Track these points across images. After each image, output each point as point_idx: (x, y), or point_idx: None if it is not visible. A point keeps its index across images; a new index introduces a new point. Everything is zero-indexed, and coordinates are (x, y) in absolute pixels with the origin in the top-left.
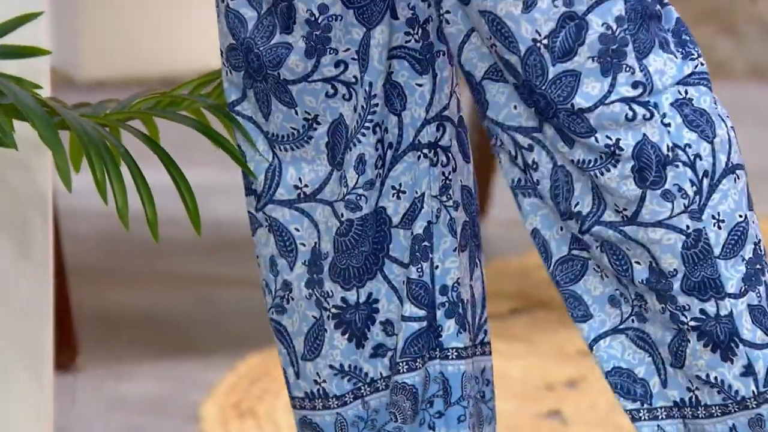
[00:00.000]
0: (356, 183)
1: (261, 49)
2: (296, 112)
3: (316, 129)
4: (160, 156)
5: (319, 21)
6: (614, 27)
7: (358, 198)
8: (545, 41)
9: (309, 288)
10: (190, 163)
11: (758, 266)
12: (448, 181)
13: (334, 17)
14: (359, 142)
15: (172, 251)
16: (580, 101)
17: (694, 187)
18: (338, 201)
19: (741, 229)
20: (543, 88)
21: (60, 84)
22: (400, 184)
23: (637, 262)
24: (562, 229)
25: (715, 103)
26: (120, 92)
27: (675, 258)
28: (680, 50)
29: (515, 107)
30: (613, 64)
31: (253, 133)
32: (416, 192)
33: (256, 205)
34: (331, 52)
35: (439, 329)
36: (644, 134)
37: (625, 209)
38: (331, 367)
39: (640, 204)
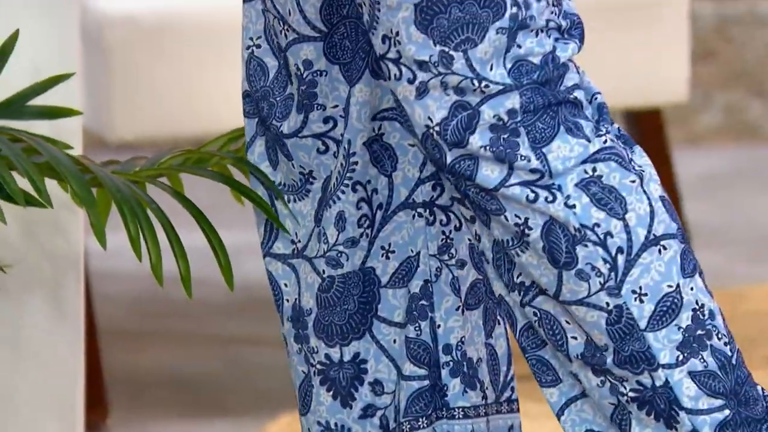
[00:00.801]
0: (336, 240)
1: (277, 98)
2: (293, 165)
3: (312, 183)
4: (191, 211)
5: (305, 76)
6: (506, 118)
7: (339, 255)
8: (437, 127)
9: (298, 343)
10: (217, 225)
11: (700, 332)
12: (449, 240)
13: (319, 73)
14: (338, 199)
15: (201, 312)
16: (482, 183)
17: (608, 265)
18: (318, 257)
19: (671, 299)
20: (447, 167)
21: (91, 145)
22: (390, 244)
23: (574, 337)
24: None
25: (628, 178)
26: (151, 153)
27: (602, 334)
28: (593, 129)
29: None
30: (507, 152)
31: (254, 183)
32: (411, 251)
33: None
34: (319, 107)
35: (445, 388)
36: (550, 216)
37: (546, 289)
38: (318, 423)
39: (559, 284)
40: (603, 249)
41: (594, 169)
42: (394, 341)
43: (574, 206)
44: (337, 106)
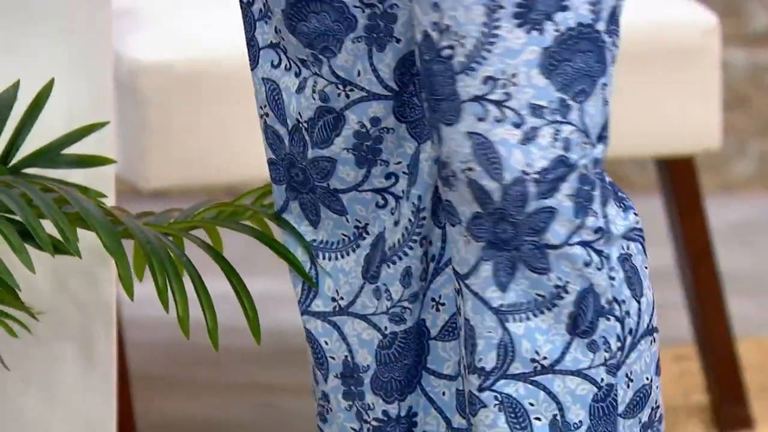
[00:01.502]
0: (401, 296)
1: (304, 164)
2: (347, 220)
3: (365, 238)
4: (221, 265)
5: (371, 133)
6: (590, 167)
7: (403, 311)
8: (535, 175)
9: (348, 400)
10: (253, 272)
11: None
12: None
13: (386, 130)
14: (405, 255)
15: (234, 359)
16: (550, 237)
17: (618, 343)
18: (378, 314)
19: (645, 391)
20: (520, 218)
21: (125, 193)
22: (440, 296)
23: (538, 418)
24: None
25: (645, 263)
26: (185, 201)
27: (583, 409)
28: (620, 204)
29: (466, 241)
30: (584, 206)
31: (293, 244)
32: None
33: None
34: (382, 163)
35: None
36: (591, 283)
37: (545, 357)
38: None
39: (565, 351)
40: (620, 327)
41: (627, 247)
42: (444, 393)
43: (613, 279)
44: (400, 162)
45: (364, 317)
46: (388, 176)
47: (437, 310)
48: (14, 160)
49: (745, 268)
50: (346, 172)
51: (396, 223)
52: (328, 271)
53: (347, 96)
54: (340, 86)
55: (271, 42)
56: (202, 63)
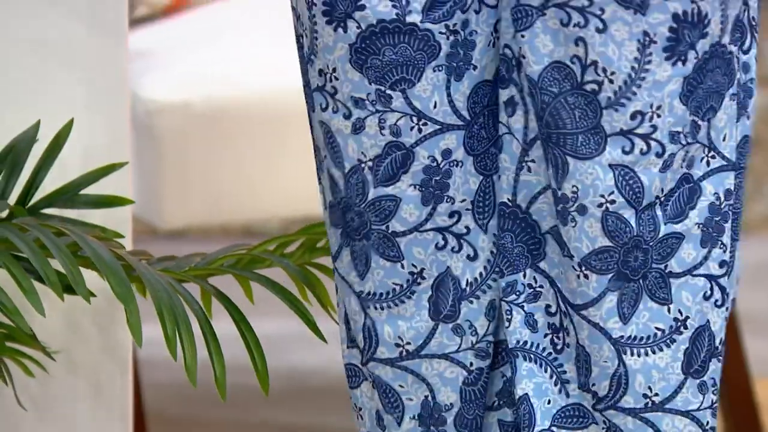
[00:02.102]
0: (487, 330)
1: (362, 207)
2: (402, 266)
3: (420, 284)
4: (231, 313)
5: (441, 166)
6: (722, 198)
7: (488, 345)
8: (662, 198)
9: None
10: (271, 312)
11: None
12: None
13: (455, 163)
14: (489, 288)
15: (249, 399)
16: (674, 265)
17: (714, 388)
18: (463, 351)
19: None
20: (652, 244)
21: (142, 232)
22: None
23: None
24: (549, 402)
25: None
26: (202, 241)
27: None
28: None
29: (580, 276)
30: (712, 236)
31: (347, 291)
32: None
33: (361, 360)
34: (448, 200)
35: None
36: (708, 320)
37: (657, 394)
38: None
39: (677, 390)
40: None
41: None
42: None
43: (726, 319)
44: (465, 200)
45: (445, 356)
46: (451, 214)
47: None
48: (33, 200)
49: (763, 309)
50: (409, 212)
51: (471, 258)
52: (383, 320)
53: (419, 130)
54: (414, 119)
55: (317, 85)
56: (218, 102)
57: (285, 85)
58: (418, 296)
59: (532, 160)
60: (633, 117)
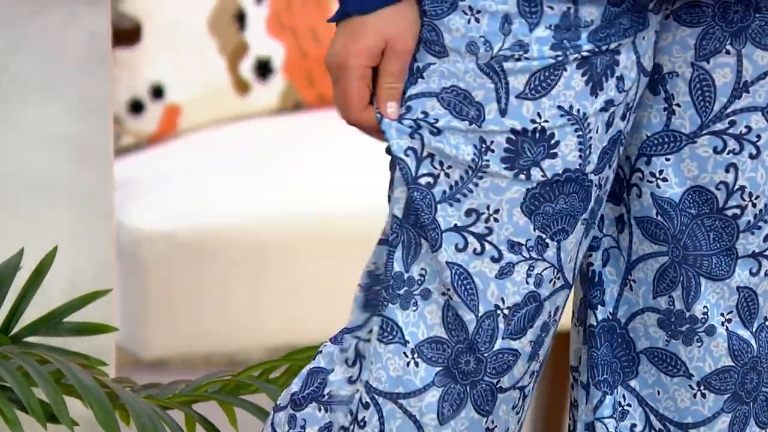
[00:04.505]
0: None
1: (486, 354)
2: (485, 422)
3: None
4: None
5: (550, 323)
6: None
7: None
8: None
9: None
10: None
11: None
12: None
13: (555, 322)
14: None
15: None
16: None
17: None
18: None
19: None
20: (765, 365)
21: (126, 363)
22: None
23: None
24: None
25: None
26: (185, 370)
27: None
28: None
29: (697, 395)
30: None
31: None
32: None
33: None
34: (538, 358)
35: None
36: None
37: None
38: None
39: None
40: None
41: None
42: None
43: None
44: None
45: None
46: (532, 374)
47: None
48: (16, 329)
49: None
50: (519, 368)
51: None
52: None
53: (554, 284)
54: (555, 272)
55: (455, 225)
56: (203, 232)
57: (266, 214)
58: None
59: (634, 280)
60: (766, 239)
